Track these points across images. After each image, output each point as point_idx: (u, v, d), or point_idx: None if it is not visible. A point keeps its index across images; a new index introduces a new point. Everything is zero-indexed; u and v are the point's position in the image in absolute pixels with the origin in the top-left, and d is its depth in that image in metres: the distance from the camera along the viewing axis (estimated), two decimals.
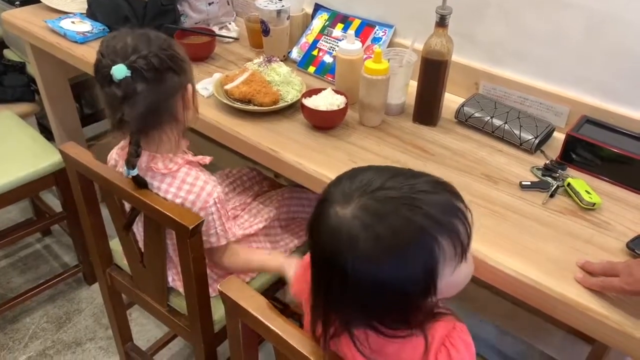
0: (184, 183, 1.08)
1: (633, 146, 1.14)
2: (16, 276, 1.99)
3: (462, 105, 1.33)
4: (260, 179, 1.51)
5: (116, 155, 1.17)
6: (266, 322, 0.80)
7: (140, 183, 1.06)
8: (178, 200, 1.08)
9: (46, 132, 2.25)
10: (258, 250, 1.31)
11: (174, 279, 1.23)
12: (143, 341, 1.75)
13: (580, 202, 1.08)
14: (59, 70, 1.93)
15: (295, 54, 1.60)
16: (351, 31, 1.40)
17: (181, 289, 1.21)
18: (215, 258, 1.19)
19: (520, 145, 1.25)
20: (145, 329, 1.81)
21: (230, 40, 1.72)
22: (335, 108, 1.28)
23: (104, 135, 1.37)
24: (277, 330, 0.79)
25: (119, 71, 0.96)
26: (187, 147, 1.15)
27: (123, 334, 1.53)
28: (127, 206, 1.18)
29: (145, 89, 0.99)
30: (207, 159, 1.13)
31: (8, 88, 2.09)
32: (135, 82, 0.98)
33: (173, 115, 1.06)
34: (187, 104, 1.08)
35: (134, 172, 1.04)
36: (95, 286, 1.94)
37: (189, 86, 1.07)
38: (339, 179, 0.71)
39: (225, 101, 1.35)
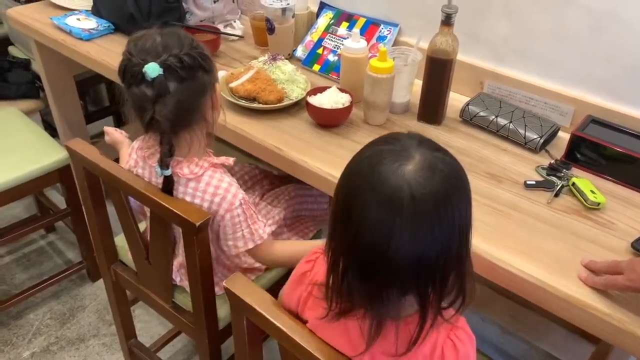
0: (208, 186, 1.07)
1: (638, 146, 1.14)
2: (20, 272, 2.00)
3: (467, 104, 1.33)
4: (261, 177, 1.51)
5: (135, 154, 1.15)
6: (271, 319, 0.80)
7: (170, 183, 1.05)
8: (205, 205, 1.07)
9: (50, 129, 2.25)
10: (295, 242, 1.30)
11: (182, 279, 1.23)
12: (146, 338, 1.76)
13: (585, 201, 1.08)
14: (63, 67, 1.94)
15: (300, 52, 1.60)
16: (356, 29, 1.39)
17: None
18: (254, 258, 1.18)
19: (525, 144, 1.25)
20: (148, 325, 1.82)
21: (235, 38, 1.72)
22: (340, 106, 1.28)
23: None
24: (282, 327, 0.79)
25: (152, 69, 0.94)
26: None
27: (127, 330, 1.53)
28: (133, 201, 1.18)
29: (177, 88, 0.98)
30: (230, 160, 1.11)
31: (13, 85, 2.10)
32: (168, 80, 0.96)
33: (202, 115, 1.05)
34: (216, 104, 1.07)
35: (168, 172, 1.03)
36: (99, 283, 1.94)
37: (217, 85, 1.07)
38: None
39: (230, 99, 1.35)
